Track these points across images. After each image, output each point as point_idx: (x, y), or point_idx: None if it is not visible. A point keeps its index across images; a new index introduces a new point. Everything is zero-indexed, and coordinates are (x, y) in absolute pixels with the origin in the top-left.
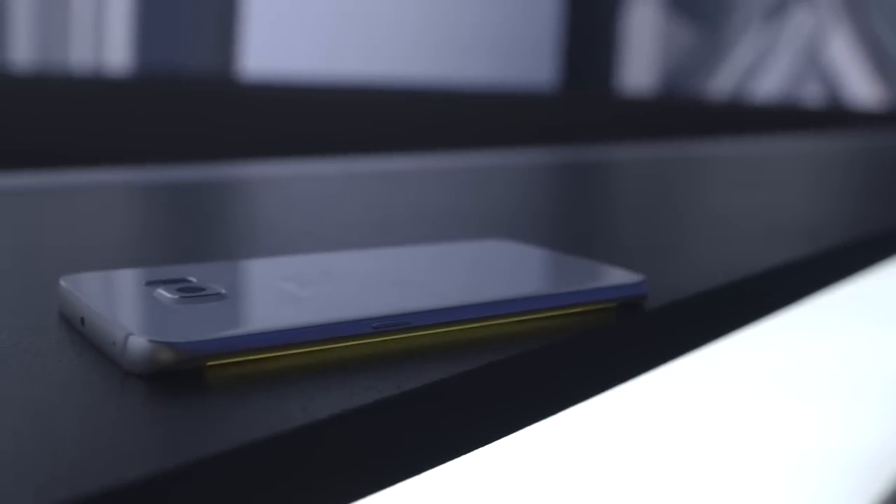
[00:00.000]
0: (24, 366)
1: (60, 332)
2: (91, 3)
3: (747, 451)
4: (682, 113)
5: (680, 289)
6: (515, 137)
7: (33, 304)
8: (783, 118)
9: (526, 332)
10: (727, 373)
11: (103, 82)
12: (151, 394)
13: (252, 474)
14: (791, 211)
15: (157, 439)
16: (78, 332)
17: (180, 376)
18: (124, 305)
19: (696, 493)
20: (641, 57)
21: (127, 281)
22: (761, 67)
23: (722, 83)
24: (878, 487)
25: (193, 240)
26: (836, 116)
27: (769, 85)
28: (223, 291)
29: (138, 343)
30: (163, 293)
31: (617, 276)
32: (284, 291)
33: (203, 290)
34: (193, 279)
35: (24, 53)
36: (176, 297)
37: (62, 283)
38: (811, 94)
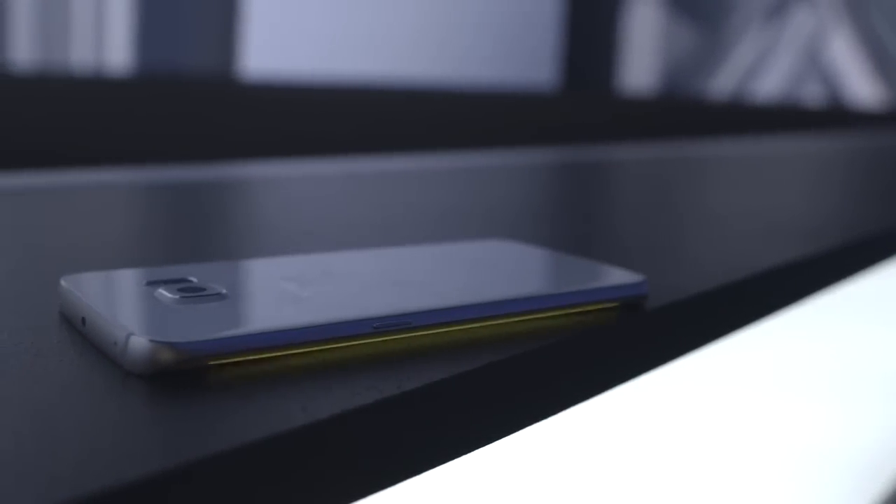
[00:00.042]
0: (24, 366)
1: (61, 332)
2: (91, 3)
3: (748, 452)
4: (682, 113)
5: (680, 289)
6: (516, 137)
7: (34, 304)
8: (784, 118)
9: (526, 332)
10: (728, 373)
11: (104, 82)
12: (152, 394)
13: (253, 474)
14: (791, 211)
15: (158, 439)
16: (79, 332)
17: (181, 376)
18: (125, 305)
19: (696, 493)
20: (642, 57)
21: (128, 281)
22: (762, 67)
23: (722, 83)
24: (879, 487)
25: (194, 240)
26: (836, 116)
27: (770, 85)
28: (224, 291)
29: (139, 343)
30: (164, 293)
31: (617, 276)
32: (285, 291)
33: (204, 290)
34: (194, 279)
35: (24, 53)
36: (177, 297)
37: (63, 283)
38: (812, 94)
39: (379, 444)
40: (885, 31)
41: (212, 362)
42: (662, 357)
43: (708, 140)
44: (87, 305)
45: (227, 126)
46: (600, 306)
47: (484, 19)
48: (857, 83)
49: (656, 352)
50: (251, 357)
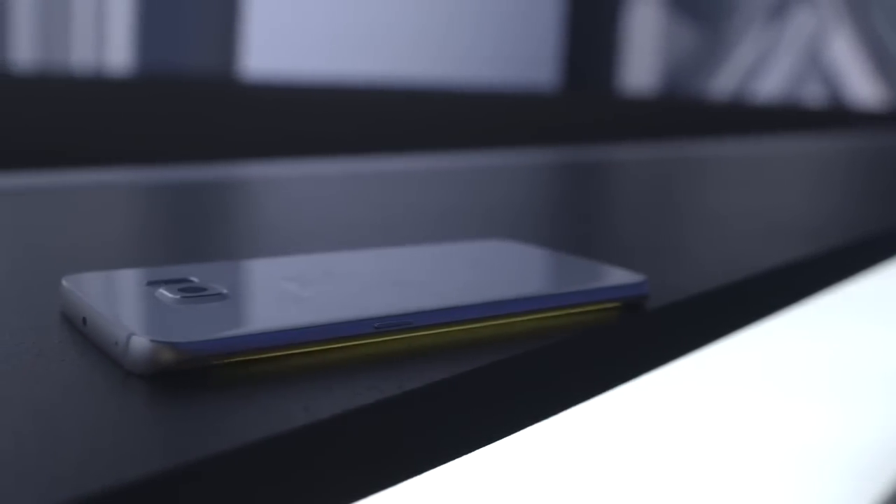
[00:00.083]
0: (26, 366)
1: (62, 333)
2: (92, 3)
3: (748, 451)
4: (683, 113)
5: (681, 289)
6: (516, 137)
7: (35, 304)
8: (784, 118)
9: (527, 332)
10: (728, 373)
11: (104, 82)
12: (153, 394)
13: (254, 474)
14: (792, 211)
15: (159, 439)
16: (80, 332)
17: (182, 376)
18: (126, 305)
19: (697, 493)
20: (643, 57)
21: (129, 281)
22: (763, 67)
23: (723, 83)
24: (879, 487)
25: (195, 240)
26: (837, 116)
27: (770, 85)
28: (225, 291)
29: (140, 343)
30: (164, 293)
31: (618, 277)
32: (286, 291)
33: (205, 290)
34: (195, 279)
35: (25, 53)
36: (178, 297)
37: (64, 283)
38: (812, 95)
39: (380, 444)
40: (886, 32)
41: (213, 362)
42: (663, 357)
43: (709, 140)
44: (88, 305)
45: (228, 126)
46: (601, 306)
47: (484, 19)
48: (857, 83)
49: (657, 352)
50: (252, 357)
